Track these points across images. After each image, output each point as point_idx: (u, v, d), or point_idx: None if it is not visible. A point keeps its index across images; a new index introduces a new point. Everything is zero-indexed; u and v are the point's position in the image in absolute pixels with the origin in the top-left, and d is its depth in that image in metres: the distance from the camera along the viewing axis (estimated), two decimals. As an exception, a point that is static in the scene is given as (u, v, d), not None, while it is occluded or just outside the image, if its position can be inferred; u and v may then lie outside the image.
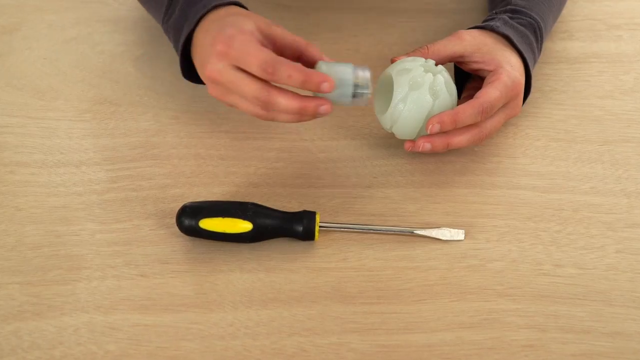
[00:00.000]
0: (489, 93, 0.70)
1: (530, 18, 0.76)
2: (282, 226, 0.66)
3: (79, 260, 0.66)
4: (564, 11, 0.89)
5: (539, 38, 0.77)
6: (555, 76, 0.83)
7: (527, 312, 0.63)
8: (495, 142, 0.76)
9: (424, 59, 0.71)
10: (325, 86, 0.63)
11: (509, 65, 0.72)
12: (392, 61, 0.73)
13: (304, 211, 0.67)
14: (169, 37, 0.74)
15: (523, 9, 0.77)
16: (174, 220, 0.68)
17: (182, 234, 0.67)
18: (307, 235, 0.66)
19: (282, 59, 0.63)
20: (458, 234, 0.68)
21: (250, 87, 0.63)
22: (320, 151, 0.75)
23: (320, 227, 0.67)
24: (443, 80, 0.70)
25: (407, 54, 0.73)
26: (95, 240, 0.67)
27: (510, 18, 0.76)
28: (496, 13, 0.77)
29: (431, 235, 0.68)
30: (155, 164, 0.73)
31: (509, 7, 0.78)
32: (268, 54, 0.63)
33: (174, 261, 0.66)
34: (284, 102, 0.64)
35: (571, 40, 0.87)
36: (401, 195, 0.72)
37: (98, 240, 0.67)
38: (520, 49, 0.74)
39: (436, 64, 0.72)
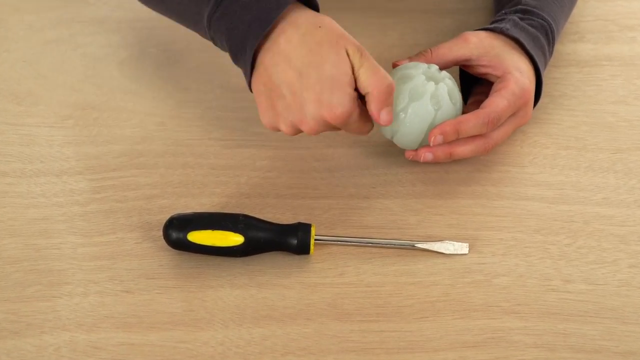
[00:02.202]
0: (496, 103, 0.71)
1: (542, 19, 0.77)
2: (275, 239, 0.67)
3: (60, 275, 0.67)
4: (574, 11, 0.90)
5: (551, 40, 0.78)
6: (565, 80, 0.84)
7: (535, 330, 0.64)
8: (502, 150, 0.77)
9: (426, 65, 0.72)
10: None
11: (518, 71, 0.73)
12: (394, 66, 0.74)
13: (299, 223, 0.68)
14: (217, 35, 0.69)
15: (534, 9, 0.77)
16: (160, 233, 0.69)
17: (169, 247, 0.68)
18: (302, 249, 0.67)
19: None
20: (462, 248, 0.69)
21: None
22: (316, 160, 0.76)
23: (315, 240, 0.68)
24: (446, 89, 0.71)
25: (410, 58, 0.74)
26: (77, 254, 0.68)
27: (521, 19, 0.77)
28: (505, 14, 0.78)
29: (433, 249, 0.69)
30: (141, 173, 0.74)
31: (519, 7, 0.78)
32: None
33: (160, 276, 0.67)
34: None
35: (582, 42, 0.88)
36: (401, 207, 0.73)
37: (80, 254, 0.68)
38: (531, 53, 0.75)
39: (440, 69, 0.73)
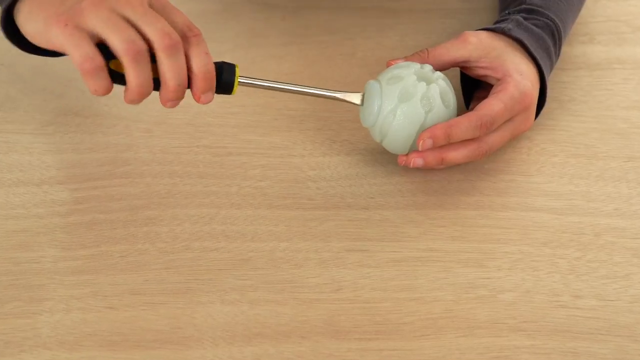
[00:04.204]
0: (491, 105, 0.71)
1: (548, 19, 0.78)
2: None
3: (40, 291, 0.67)
4: (584, 11, 0.91)
5: (557, 41, 0.79)
6: (574, 84, 0.85)
7: (543, 348, 0.65)
8: (507, 158, 0.78)
9: (419, 65, 0.73)
10: None
11: (519, 74, 0.74)
12: (388, 64, 0.75)
13: (223, 62, 0.69)
14: None
15: (539, 9, 0.78)
16: (146, 246, 0.70)
17: (156, 261, 0.69)
18: (225, 88, 0.69)
19: None
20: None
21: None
22: (311, 168, 0.77)
23: (240, 81, 0.70)
24: (438, 90, 0.72)
25: (406, 58, 0.75)
26: (58, 269, 0.69)
27: (525, 19, 0.77)
28: (509, 13, 0.79)
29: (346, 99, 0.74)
30: (126, 182, 0.75)
31: (524, 6, 0.79)
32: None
33: (146, 292, 0.68)
34: None
35: (592, 44, 0.89)
36: (401, 218, 0.73)
37: (61, 269, 0.69)
38: (534, 55, 0.75)
39: (438, 71, 0.74)
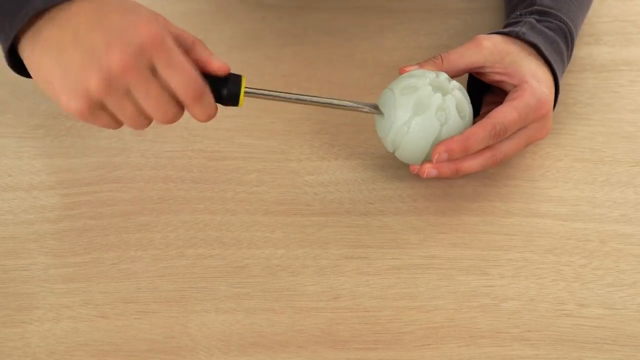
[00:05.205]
0: (505, 113, 0.71)
1: (560, 21, 0.78)
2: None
3: (29, 299, 0.68)
4: (590, 11, 0.91)
5: (570, 45, 0.79)
6: (579, 87, 0.85)
7: (548, 359, 0.65)
8: (511, 163, 0.78)
9: (434, 74, 0.72)
10: None
11: (536, 80, 0.73)
12: (401, 72, 0.74)
13: (230, 74, 0.68)
14: None
15: (551, 10, 0.78)
16: (139, 253, 0.70)
17: (148, 269, 0.69)
18: (231, 99, 0.68)
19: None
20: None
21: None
22: (309, 173, 0.77)
23: (246, 92, 0.68)
24: (454, 102, 0.71)
25: (419, 65, 0.74)
26: (48, 276, 0.69)
27: (538, 21, 0.77)
28: (520, 15, 0.79)
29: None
30: (118, 188, 0.75)
31: (535, 7, 0.78)
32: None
33: (139, 300, 0.68)
34: None
35: (598, 45, 0.90)
36: (402, 224, 0.74)
37: (52, 276, 0.69)
38: (549, 60, 0.75)
39: (451, 77, 0.73)
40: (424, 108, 0.71)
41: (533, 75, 0.74)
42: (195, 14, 0.91)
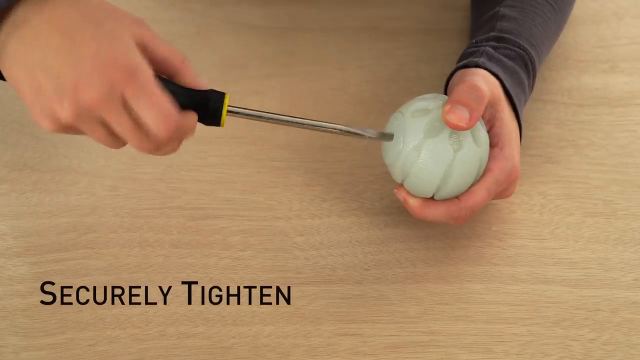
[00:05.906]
0: (475, 195, 0.69)
1: (520, 47, 0.75)
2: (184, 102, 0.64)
3: (1, 395, 0.66)
4: (605, 32, 0.87)
5: (532, 72, 0.76)
6: (593, 124, 0.82)
7: None
8: (519, 217, 0.76)
9: (447, 97, 0.69)
10: None
11: (509, 146, 0.70)
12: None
13: (212, 90, 0.64)
14: None
15: (509, 36, 0.75)
16: (116, 332, 0.67)
17: (128, 349, 0.66)
18: (212, 117, 0.64)
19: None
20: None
21: None
22: (298, 234, 0.74)
23: (228, 111, 0.65)
24: None
25: None
26: (19, 362, 0.67)
27: (495, 48, 0.74)
28: (476, 43, 0.76)
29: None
30: (91, 254, 0.72)
31: (493, 34, 0.76)
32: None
33: (119, 390, 0.66)
34: None
35: (614, 73, 0.86)
36: (400, 294, 0.71)
37: (24, 362, 0.67)
38: (510, 93, 0.72)
39: None
40: (436, 131, 0.68)
41: (509, 136, 0.71)
42: (172, 37, 0.85)
